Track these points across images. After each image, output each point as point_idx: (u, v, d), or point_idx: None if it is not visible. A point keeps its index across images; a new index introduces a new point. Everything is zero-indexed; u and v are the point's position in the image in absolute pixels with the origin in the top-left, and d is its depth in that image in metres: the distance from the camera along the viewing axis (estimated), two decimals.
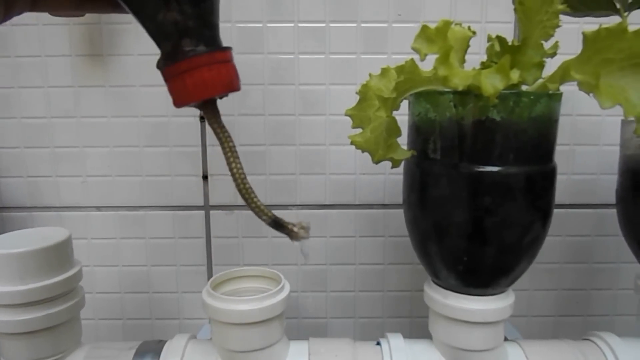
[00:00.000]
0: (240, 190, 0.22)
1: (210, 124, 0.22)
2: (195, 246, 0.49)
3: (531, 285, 0.51)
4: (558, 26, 0.28)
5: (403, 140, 0.34)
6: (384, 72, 0.33)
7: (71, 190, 0.49)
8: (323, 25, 0.46)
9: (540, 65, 0.27)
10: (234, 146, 0.22)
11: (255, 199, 0.22)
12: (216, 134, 0.22)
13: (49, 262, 0.33)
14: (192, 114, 0.47)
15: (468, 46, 0.30)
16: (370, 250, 0.50)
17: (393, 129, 0.29)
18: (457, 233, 0.30)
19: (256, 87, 0.47)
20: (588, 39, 0.26)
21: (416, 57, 0.28)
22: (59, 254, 0.34)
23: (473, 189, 0.29)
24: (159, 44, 0.22)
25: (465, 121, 0.29)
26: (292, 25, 0.46)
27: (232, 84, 0.22)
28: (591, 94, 0.29)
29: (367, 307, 0.51)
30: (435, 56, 0.27)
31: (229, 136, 0.22)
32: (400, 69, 0.28)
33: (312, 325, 0.51)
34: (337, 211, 0.49)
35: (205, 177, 0.48)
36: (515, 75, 0.24)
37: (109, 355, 0.35)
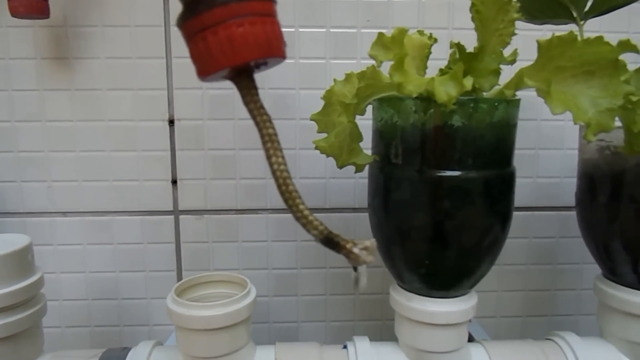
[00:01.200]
0: (282, 194, 0.17)
1: (244, 102, 0.17)
2: (165, 252, 0.49)
3: (499, 287, 0.52)
4: (514, 34, 0.29)
5: (368, 145, 0.35)
6: (348, 77, 0.33)
7: (36, 195, 0.48)
8: (292, 30, 0.46)
9: (497, 73, 0.28)
10: (276, 134, 0.17)
11: (301, 207, 0.17)
12: (252, 116, 0.17)
13: (9, 269, 0.32)
14: (160, 117, 0.46)
15: (429, 53, 0.31)
16: None
17: (355, 135, 0.30)
18: (419, 237, 0.31)
19: (226, 92, 0.47)
20: (542, 47, 0.27)
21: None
22: (19, 261, 0.33)
23: (434, 193, 0.30)
24: None
25: (426, 127, 0.29)
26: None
27: (270, 47, 0.16)
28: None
29: (338, 310, 0.51)
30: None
31: (269, 120, 0.17)
32: (361, 75, 0.29)
33: (283, 329, 0.51)
34: None
35: (174, 182, 0.48)
36: (468, 83, 0.24)
37: None
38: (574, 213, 0.51)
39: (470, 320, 0.34)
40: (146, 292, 0.50)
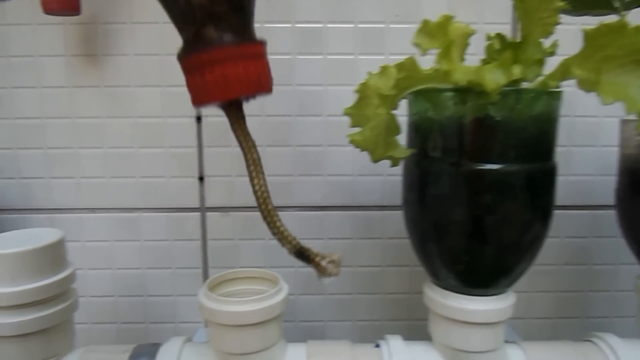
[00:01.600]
0: (261, 211, 0.18)
1: (232, 130, 0.18)
2: (191, 249, 0.49)
3: (529, 287, 0.50)
4: (558, 23, 0.28)
5: (401, 140, 0.34)
6: (383, 70, 0.32)
7: (64, 191, 0.48)
8: (320, 25, 0.46)
9: (541, 62, 0.27)
10: (259, 159, 0.18)
11: (278, 223, 0.18)
12: (239, 142, 0.18)
13: (42, 263, 0.32)
14: (188, 114, 0.46)
15: (467, 44, 0.30)
16: (368, 252, 0.49)
17: (392, 127, 0.29)
18: (457, 232, 0.30)
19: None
20: (588, 36, 0.26)
21: (416, 54, 0.28)
22: (52, 255, 0.33)
23: (473, 187, 0.29)
24: (180, 29, 0.18)
25: (466, 119, 0.28)
26: (289, 26, 0.46)
27: (259, 84, 0.18)
28: (591, 93, 0.29)
29: (364, 310, 0.50)
30: (434, 55, 0.27)
31: (254, 146, 0.18)
32: (400, 67, 0.28)
33: (309, 328, 0.50)
34: (334, 213, 0.49)
35: (201, 179, 0.48)
36: (517, 71, 0.24)
37: (103, 358, 0.34)
38: (607, 212, 0.50)
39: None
40: (172, 289, 0.49)
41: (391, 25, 0.46)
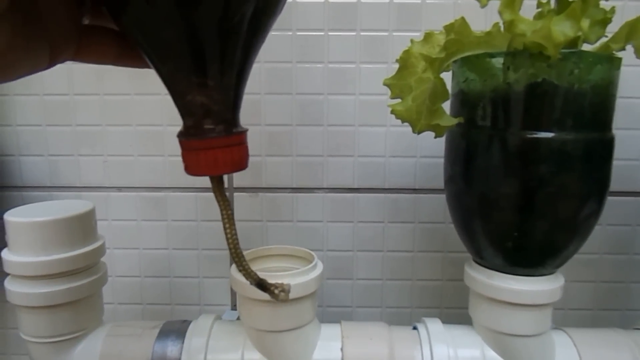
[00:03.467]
0: (232, 254, 0.24)
1: (213, 191, 0.23)
2: (218, 229, 0.48)
3: (568, 277, 0.48)
4: None
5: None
6: (427, 37, 0.31)
7: (92, 170, 0.47)
8: (354, 0, 0.44)
9: (605, 22, 0.25)
10: (232, 214, 0.24)
11: (244, 263, 0.24)
12: (217, 201, 0.23)
13: (72, 233, 0.32)
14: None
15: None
16: (399, 236, 0.48)
17: (440, 93, 0.27)
18: (507, 206, 0.28)
19: (284, 65, 0.45)
20: None
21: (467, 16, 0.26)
22: (82, 226, 0.32)
23: (526, 157, 0.27)
24: (182, 116, 0.22)
25: (519, 85, 0.27)
26: (323, 1, 0.44)
27: (240, 165, 0.23)
28: None
29: (395, 296, 0.49)
30: (483, 22, 0.25)
31: (229, 205, 0.24)
32: (449, 28, 0.26)
33: (337, 314, 0.49)
34: (365, 195, 0.47)
35: None
36: (586, 24, 0.22)
37: (132, 333, 0.33)
38: None
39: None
40: (198, 271, 0.49)
41: (427, 1, 0.44)
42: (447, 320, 0.47)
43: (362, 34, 0.45)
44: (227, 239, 0.24)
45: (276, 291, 0.24)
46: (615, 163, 0.46)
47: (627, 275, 0.48)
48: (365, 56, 0.45)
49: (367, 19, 0.44)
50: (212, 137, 0.22)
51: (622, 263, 0.48)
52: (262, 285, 0.24)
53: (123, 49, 0.23)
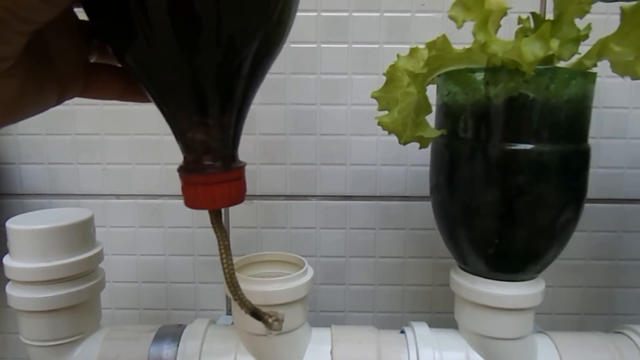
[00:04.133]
0: (227, 284, 0.24)
1: (211, 223, 0.24)
2: (214, 236, 0.48)
3: (555, 282, 0.50)
4: (594, 2, 0.28)
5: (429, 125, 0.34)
6: (413, 52, 0.32)
7: (91, 178, 0.49)
8: (346, 14, 0.46)
9: (577, 41, 0.27)
10: (229, 245, 0.24)
11: (239, 293, 0.24)
12: (215, 232, 0.24)
13: (72, 240, 0.33)
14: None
15: (500, 24, 0.30)
16: (391, 243, 0.49)
17: (423, 107, 0.29)
18: (488, 214, 0.30)
19: (278, 76, 0.46)
20: (626, 14, 0.26)
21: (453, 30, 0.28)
22: (81, 233, 0.34)
23: (505, 167, 0.28)
24: (183, 152, 0.23)
25: (498, 99, 0.28)
26: (315, 14, 0.46)
27: (238, 199, 0.24)
28: (626, 76, 0.29)
29: (386, 301, 0.50)
30: (469, 35, 0.26)
31: (226, 236, 0.24)
32: (431, 45, 0.28)
33: (330, 318, 0.50)
34: (357, 202, 0.48)
35: None
36: (555, 44, 0.23)
37: (129, 337, 0.35)
38: (637, 206, 0.49)
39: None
40: (194, 277, 0.50)
41: (417, 14, 0.46)
42: (438, 324, 0.48)
43: (353, 46, 0.46)
44: (224, 269, 0.24)
45: (270, 320, 0.24)
46: (599, 171, 0.48)
47: (612, 280, 0.49)
48: (357, 67, 0.46)
49: (358, 31, 0.46)
50: (211, 173, 0.22)
51: (607, 268, 0.49)
52: (256, 314, 0.24)
53: (128, 84, 0.24)
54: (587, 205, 0.48)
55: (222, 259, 0.24)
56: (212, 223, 0.24)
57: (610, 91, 0.47)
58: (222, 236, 0.24)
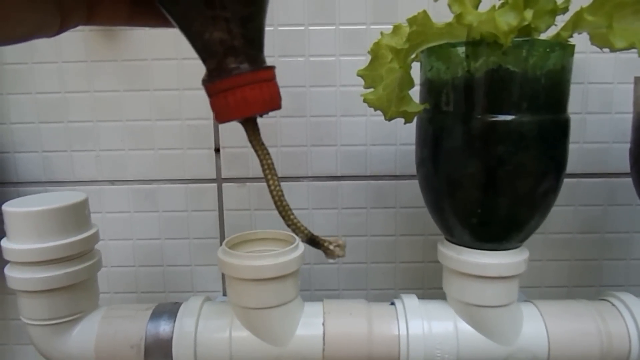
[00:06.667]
0: (277, 207, 0.22)
1: (249, 140, 0.22)
2: (208, 219, 0.50)
3: (544, 256, 0.51)
4: None
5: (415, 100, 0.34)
6: (396, 29, 0.33)
7: (85, 164, 0.49)
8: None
9: (554, 12, 0.27)
10: (272, 163, 0.22)
11: (292, 217, 0.22)
12: (255, 150, 0.22)
13: (67, 221, 0.33)
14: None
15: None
16: (382, 221, 0.50)
17: (406, 81, 0.30)
18: (471, 185, 0.30)
19: (266, 59, 0.47)
20: None
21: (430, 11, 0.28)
22: (76, 214, 0.34)
23: (486, 138, 0.29)
24: (204, 60, 0.21)
25: (479, 72, 0.29)
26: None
27: (272, 103, 0.22)
28: (605, 48, 0.29)
29: (379, 278, 0.51)
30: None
31: (268, 153, 0.22)
32: (412, 20, 0.28)
33: (324, 297, 0.51)
34: (348, 182, 0.49)
35: (217, 150, 0.49)
36: (529, 15, 0.24)
37: (127, 315, 0.36)
38: (623, 180, 0.50)
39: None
40: (190, 259, 0.51)
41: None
42: (430, 298, 0.49)
43: (341, 27, 0.47)
44: (271, 191, 0.22)
45: (331, 247, 0.22)
46: (585, 146, 0.49)
47: (599, 253, 0.51)
48: (345, 49, 0.47)
49: (345, 13, 0.46)
50: (238, 75, 0.20)
51: (594, 242, 0.50)
52: (313, 241, 0.22)
53: (134, 7, 0.23)
54: (574, 180, 0.49)
55: (267, 180, 0.22)
56: (251, 140, 0.22)
57: (595, 67, 0.47)
58: (263, 154, 0.22)
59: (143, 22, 0.24)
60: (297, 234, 0.22)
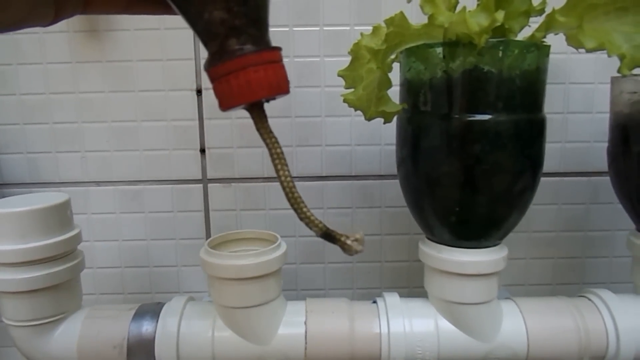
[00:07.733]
0: (289, 199, 0.20)
1: (257, 129, 0.21)
2: (194, 219, 0.50)
3: (528, 254, 0.51)
4: None
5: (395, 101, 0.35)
6: (375, 30, 0.33)
7: (70, 166, 0.49)
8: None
9: (527, 13, 0.28)
10: (282, 152, 0.21)
11: (304, 209, 0.20)
12: (263, 139, 0.21)
13: (49, 222, 0.34)
14: (188, 87, 0.47)
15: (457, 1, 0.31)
16: (367, 221, 0.50)
17: (384, 82, 0.30)
18: (449, 183, 0.31)
19: None
20: None
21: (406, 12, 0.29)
22: (59, 215, 0.34)
23: (464, 137, 0.30)
24: (206, 44, 0.20)
25: (456, 72, 0.29)
26: None
27: (279, 86, 0.20)
28: (581, 49, 0.30)
29: (365, 278, 0.51)
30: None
31: (277, 142, 0.21)
32: (389, 21, 0.29)
33: (310, 296, 0.51)
34: (333, 182, 0.50)
35: (202, 151, 0.49)
36: (500, 16, 0.24)
37: (109, 315, 0.36)
38: (604, 179, 0.50)
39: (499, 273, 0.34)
40: (176, 260, 0.51)
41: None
42: (415, 297, 0.50)
43: (325, 28, 0.47)
44: (281, 182, 0.21)
45: (348, 241, 0.21)
46: (567, 145, 0.49)
47: (582, 251, 0.51)
48: (329, 50, 0.47)
49: (329, 14, 0.47)
50: (240, 56, 0.19)
51: (577, 240, 0.51)
52: (329, 235, 0.21)
53: None
54: (556, 179, 0.50)
55: (277, 170, 0.21)
56: (258, 128, 0.21)
57: (576, 67, 0.48)
58: (272, 143, 0.21)
59: (141, 9, 0.23)
60: (310, 228, 0.21)
